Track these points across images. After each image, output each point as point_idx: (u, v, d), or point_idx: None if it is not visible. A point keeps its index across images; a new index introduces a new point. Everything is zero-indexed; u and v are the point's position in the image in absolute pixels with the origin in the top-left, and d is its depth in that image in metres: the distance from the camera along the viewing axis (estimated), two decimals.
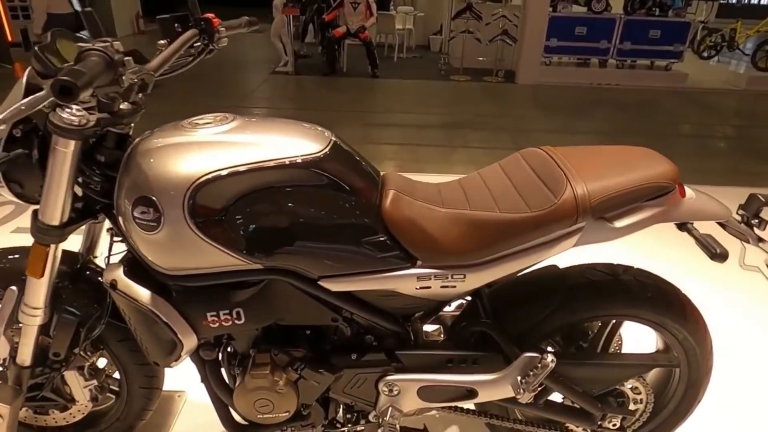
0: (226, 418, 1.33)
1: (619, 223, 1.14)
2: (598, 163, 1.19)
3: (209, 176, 1.04)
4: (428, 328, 1.46)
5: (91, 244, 1.38)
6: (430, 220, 1.16)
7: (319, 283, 1.16)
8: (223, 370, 1.32)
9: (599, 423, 1.35)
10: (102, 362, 1.45)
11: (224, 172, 1.05)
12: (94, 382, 1.39)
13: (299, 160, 1.09)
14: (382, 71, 7.67)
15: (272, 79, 7.28)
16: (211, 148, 1.08)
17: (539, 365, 1.20)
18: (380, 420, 1.30)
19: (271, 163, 1.08)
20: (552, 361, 1.20)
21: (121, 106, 1.11)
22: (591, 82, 7.68)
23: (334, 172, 1.12)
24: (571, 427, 1.42)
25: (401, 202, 1.16)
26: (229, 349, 1.30)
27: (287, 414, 1.28)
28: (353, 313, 1.23)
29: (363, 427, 1.36)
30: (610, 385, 1.35)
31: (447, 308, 1.52)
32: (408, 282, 1.18)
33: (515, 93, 7.08)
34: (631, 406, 1.40)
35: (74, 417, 1.46)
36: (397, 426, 1.28)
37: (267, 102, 6.23)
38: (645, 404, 1.40)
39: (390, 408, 1.30)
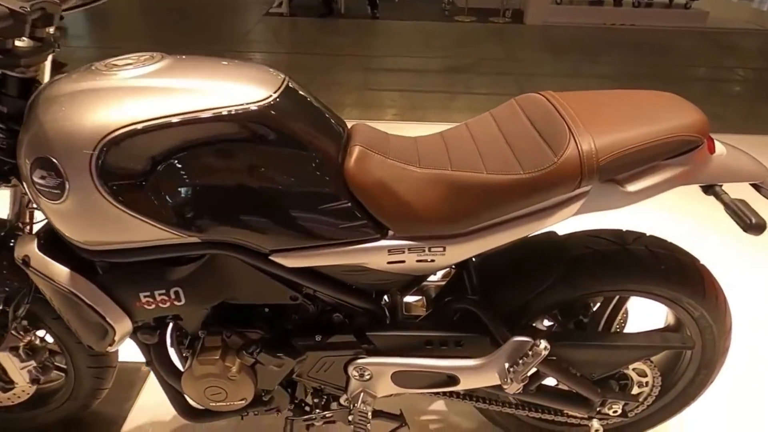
0: (178, 403, 1.19)
1: (633, 187, 0.93)
2: (610, 112, 0.97)
3: (123, 131, 0.84)
4: (411, 299, 1.30)
5: (19, 210, 1.20)
6: (403, 182, 0.96)
7: (270, 258, 0.97)
8: (174, 351, 1.17)
9: (598, 409, 1.20)
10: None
11: (142, 126, 0.85)
12: (32, 362, 1.24)
13: (239, 110, 0.88)
14: (382, 12, 7.22)
15: (266, 21, 6.87)
16: (128, 95, 0.87)
17: (530, 353, 1.04)
18: (351, 406, 1.16)
19: (204, 114, 0.87)
20: (545, 348, 1.03)
21: (18, 43, 0.90)
22: (605, 22, 7.19)
23: (283, 124, 0.91)
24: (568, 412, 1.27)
25: (368, 161, 0.96)
26: (177, 330, 1.14)
27: (243, 402, 1.13)
28: (316, 291, 1.06)
29: (333, 412, 1.22)
30: (613, 369, 1.18)
31: (432, 277, 1.35)
32: (378, 256, 0.99)
33: (523, 34, 6.65)
34: (635, 390, 1.25)
35: (19, 398, 1.33)
36: (369, 413, 1.13)
37: (261, 46, 5.89)
38: (651, 387, 1.24)
39: (362, 393, 1.15)
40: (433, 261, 1.02)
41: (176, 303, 1.00)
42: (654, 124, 0.92)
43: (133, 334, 1.09)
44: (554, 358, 1.12)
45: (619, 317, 1.32)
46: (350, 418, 1.14)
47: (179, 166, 0.87)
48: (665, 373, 1.33)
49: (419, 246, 0.99)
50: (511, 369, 1.04)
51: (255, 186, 0.91)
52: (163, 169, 0.86)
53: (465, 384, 1.11)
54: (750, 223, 0.90)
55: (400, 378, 1.13)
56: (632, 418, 1.31)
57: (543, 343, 1.03)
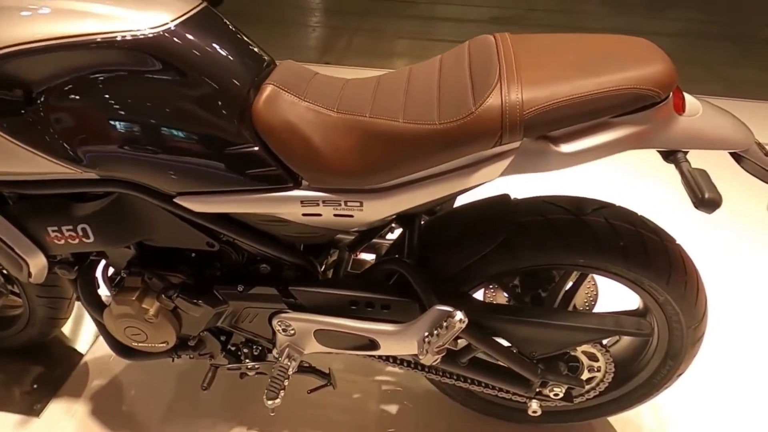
0: (109, 339, 1.19)
1: (569, 147, 0.80)
2: (559, 57, 0.83)
3: (5, 51, 0.79)
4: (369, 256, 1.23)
5: None
6: (316, 126, 0.87)
7: (176, 201, 0.92)
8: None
9: (538, 390, 1.10)
10: None
11: (24, 48, 0.79)
12: None
13: (131, 37, 0.81)
14: None
15: None
16: (13, 15, 0.81)
17: (445, 323, 0.95)
18: (277, 360, 1.12)
19: (94, 39, 0.81)
20: (460, 320, 0.94)
21: None
22: None
23: (177, 54, 0.83)
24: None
25: (279, 101, 0.87)
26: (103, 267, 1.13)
27: (165, 345, 1.12)
28: (234, 239, 1.01)
29: (261, 364, 1.19)
30: (556, 349, 1.08)
31: (390, 235, 1.27)
32: (290, 206, 0.92)
33: None
34: (585, 375, 1.14)
35: None
36: (291, 368, 1.09)
37: None
38: (604, 374, 1.13)
39: (287, 348, 1.11)
40: (351, 216, 0.93)
41: (85, 240, 0.98)
42: (602, 74, 0.77)
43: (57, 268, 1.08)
44: (486, 332, 1.03)
45: (585, 294, 1.20)
46: (273, 370, 1.10)
47: (66, 94, 0.82)
48: (629, 359, 1.21)
49: (334, 199, 0.90)
50: (427, 339, 0.96)
51: (149, 122, 0.85)
52: (48, 97, 0.81)
53: (385, 350, 1.04)
54: (701, 198, 0.75)
55: (322, 337, 1.07)
56: (584, 404, 1.21)
57: (458, 315, 0.94)
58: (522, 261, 1.01)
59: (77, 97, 0.82)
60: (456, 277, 1.04)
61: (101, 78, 0.82)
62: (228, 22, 0.94)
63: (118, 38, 0.80)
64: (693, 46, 3.81)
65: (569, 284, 1.12)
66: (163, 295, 1.05)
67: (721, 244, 1.95)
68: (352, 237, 1.15)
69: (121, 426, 1.34)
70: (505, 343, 1.09)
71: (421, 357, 0.97)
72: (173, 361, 1.20)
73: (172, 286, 1.06)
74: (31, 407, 1.36)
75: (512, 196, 1.07)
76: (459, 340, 1.08)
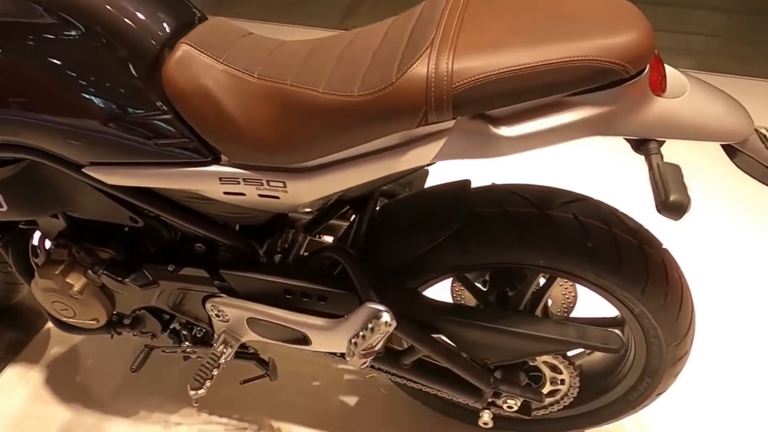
0: (45, 310, 1.14)
1: (512, 130, 0.66)
2: (515, 19, 0.68)
3: None
4: None
5: None
6: (232, 93, 0.76)
7: (85, 171, 0.84)
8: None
9: (490, 400, 0.99)
10: None
11: None
12: None
13: None
14: None
15: None
16: None
17: (371, 324, 0.84)
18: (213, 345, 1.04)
19: None
20: (387, 323, 0.83)
21: None
22: None
23: (77, 4, 0.73)
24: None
25: (193, 63, 0.76)
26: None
27: (95, 322, 1.05)
28: (160, 215, 0.92)
29: (198, 349, 1.11)
30: (512, 358, 0.96)
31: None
32: (208, 184, 0.82)
33: None
34: (546, 388, 1.01)
35: None
36: (224, 356, 1.01)
37: None
38: (568, 387, 1.00)
39: (223, 335, 1.03)
40: (278, 198, 0.83)
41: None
42: (557, 41, 0.63)
43: None
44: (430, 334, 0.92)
45: (561, 297, 1.07)
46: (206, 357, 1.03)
47: None
48: (604, 372, 1.08)
49: (255, 178, 0.80)
50: (354, 340, 0.86)
51: (47, 82, 0.76)
52: None
53: (316, 345, 0.95)
54: (664, 200, 0.61)
55: (255, 326, 0.98)
56: (552, 414, 1.09)
57: (385, 317, 0.83)
58: (475, 257, 0.89)
59: None
60: (404, 269, 0.93)
61: None
62: None
63: None
64: (741, 22, 3.45)
65: (541, 285, 0.99)
66: (89, 271, 0.98)
67: (729, 251, 1.71)
68: (309, 218, 1.05)
69: (72, 398, 1.31)
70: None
71: (348, 359, 0.87)
72: (112, 337, 1.14)
73: (99, 262, 0.99)
74: None
75: (480, 182, 0.94)
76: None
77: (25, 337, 1.43)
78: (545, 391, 1.02)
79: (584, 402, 1.09)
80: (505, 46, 0.64)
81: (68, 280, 0.98)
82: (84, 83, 0.76)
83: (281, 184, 0.80)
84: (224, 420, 1.26)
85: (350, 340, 0.86)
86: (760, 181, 0.73)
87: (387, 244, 0.94)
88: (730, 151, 0.72)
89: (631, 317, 0.92)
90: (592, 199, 0.89)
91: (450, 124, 0.67)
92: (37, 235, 1.08)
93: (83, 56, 0.75)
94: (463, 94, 0.63)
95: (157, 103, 0.77)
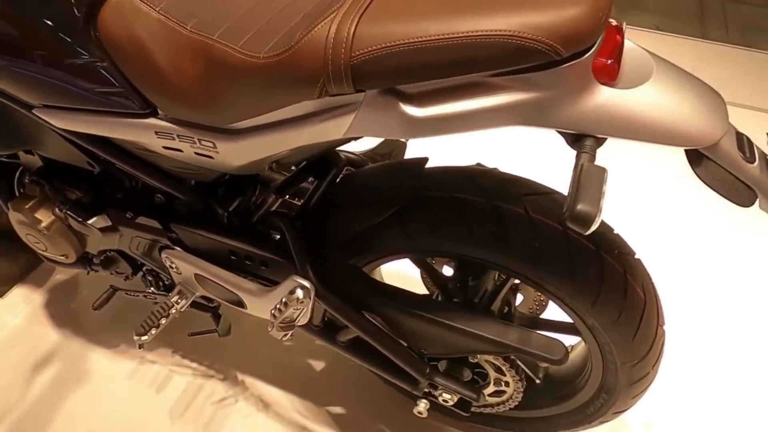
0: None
1: (422, 111, 0.59)
2: None
3: None
4: None
5: None
6: (164, 44, 0.73)
7: (34, 112, 0.85)
8: None
9: (426, 390, 0.94)
10: None
11: None
12: None
13: None
14: None
15: None
16: None
17: (289, 296, 0.80)
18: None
19: None
20: (299, 300, 0.79)
21: None
22: None
23: None
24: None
25: (127, 10, 0.74)
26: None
27: (64, 258, 1.10)
28: (115, 163, 0.92)
29: (157, 295, 1.14)
30: (449, 352, 0.90)
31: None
32: (147, 136, 0.81)
33: None
34: (489, 389, 0.95)
35: None
36: (175, 307, 1.02)
37: None
38: (513, 390, 0.94)
39: (179, 286, 1.04)
40: (212, 158, 0.80)
41: None
42: (480, 12, 0.54)
43: None
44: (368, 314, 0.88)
45: (534, 296, 1.00)
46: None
47: None
48: (566, 379, 1.00)
49: (187, 135, 0.77)
50: (273, 312, 0.83)
51: None
52: None
53: (250, 309, 0.93)
54: (570, 208, 0.52)
55: (202, 282, 0.99)
56: (509, 413, 1.03)
57: (298, 292, 0.79)
58: (415, 242, 0.83)
59: None
60: (347, 245, 0.89)
61: None
62: None
63: None
64: None
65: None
66: (56, 209, 1.02)
67: (721, 265, 1.53)
68: (281, 179, 1.03)
69: (64, 323, 1.39)
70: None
71: (269, 330, 0.85)
72: (88, 273, 1.19)
73: (65, 201, 1.02)
74: None
75: (438, 161, 0.86)
76: None
77: (33, 262, 1.53)
78: (489, 390, 0.96)
79: (546, 406, 1.02)
80: (420, 14, 0.56)
81: (37, 215, 1.02)
82: (25, 25, 0.75)
83: (212, 144, 0.77)
84: (194, 365, 1.31)
85: (271, 311, 0.84)
86: (728, 199, 0.61)
87: (334, 216, 0.90)
88: (694, 157, 0.61)
89: (584, 328, 0.83)
90: (556, 193, 0.80)
91: (359, 97, 0.61)
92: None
93: (18, 4, 0.74)
94: (363, 65, 0.56)
95: (94, 51, 0.75)
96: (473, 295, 0.94)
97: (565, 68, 0.55)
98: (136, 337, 1.00)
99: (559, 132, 0.60)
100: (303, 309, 0.81)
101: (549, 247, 0.76)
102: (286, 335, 0.85)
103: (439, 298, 0.99)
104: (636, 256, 0.81)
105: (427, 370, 0.91)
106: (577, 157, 0.57)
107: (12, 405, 1.23)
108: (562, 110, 0.57)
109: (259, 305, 0.90)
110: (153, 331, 1.01)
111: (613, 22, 0.61)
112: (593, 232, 0.75)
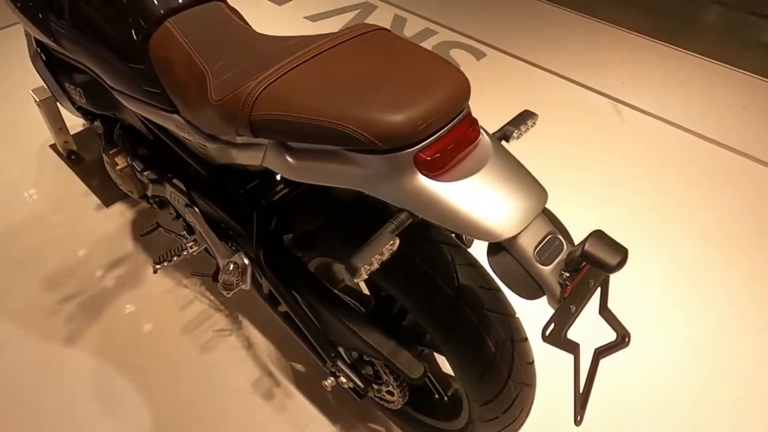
0: None
1: (296, 162, 0.80)
2: (347, 75, 0.77)
3: None
4: None
5: None
6: (183, 69, 1.01)
7: (111, 92, 1.20)
8: None
9: (332, 370, 1.15)
10: None
11: None
12: None
13: None
14: None
15: None
16: None
17: (227, 266, 1.07)
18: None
19: None
20: (230, 270, 1.05)
21: None
22: None
23: None
24: None
25: (168, 40, 1.03)
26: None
27: (131, 193, 1.48)
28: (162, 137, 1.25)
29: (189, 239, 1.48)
30: (345, 345, 1.09)
31: None
32: (172, 126, 1.11)
33: None
34: (383, 388, 1.13)
35: None
36: (189, 251, 1.34)
37: None
38: (397, 395, 1.11)
39: (195, 235, 1.37)
40: (205, 151, 1.08)
41: (80, 99, 1.34)
42: (343, 103, 0.72)
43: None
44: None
45: None
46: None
47: None
48: (457, 402, 1.15)
49: (192, 132, 1.06)
50: (221, 274, 1.10)
51: (91, 28, 1.10)
52: None
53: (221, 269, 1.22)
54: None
55: (201, 238, 1.30)
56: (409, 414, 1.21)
57: (232, 266, 1.05)
58: (341, 252, 1.03)
59: None
60: (298, 239, 1.12)
61: None
62: None
63: None
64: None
65: None
66: (128, 158, 1.39)
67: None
68: None
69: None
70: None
71: (218, 286, 1.13)
72: (150, 207, 1.57)
73: (134, 154, 1.38)
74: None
75: None
76: None
77: None
78: (385, 389, 1.14)
79: (442, 419, 1.18)
80: (303, 95, 0.75)
81: (116, 159, 1.41)
82: (110, 35, 1.09)
83: (203, 144, 1.05)
84: (212, 298, 1.66)
85: (219, 273, 1.11)
86: (512, 290, 0.73)
87: (297, 214, 1.14)
88: (494, 247, 0.74)
89: (444, 356, 0.98)
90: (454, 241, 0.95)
91: (264, 141, 0.83)
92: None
93: (108, 16, 1.07)
94: (258, 122, 0.78)
95: (145, 61, 1.06)
96: (390, 307, 1.12)
97: (388, 156, 0.72)
98: (152, 264, 1.35)
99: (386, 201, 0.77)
100: (238, 278, 1.07)
101: (416, 284, 0.92)
102: (227, 293, 1.12)
103: (372, 302, 1.18)
104: (515, 315, 0.93)
105: (333, 354, 1.13)
106: (386, 223, 0.74)
107: (86, 285, 1.69)
108: (387, 187, 0.74)
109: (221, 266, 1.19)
110: (166, 263, 1.35)
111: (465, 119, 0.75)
112: (475, 289, 0.90)
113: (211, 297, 1.66)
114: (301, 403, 1.43)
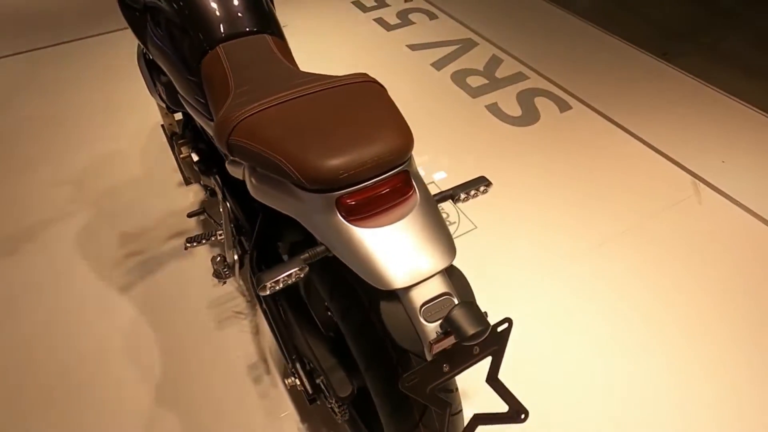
0: None
1: (257, 183, 0.94)
2: (313, 117, 0.89)
3: None
4: None
5: None
6: (219, 89, 1.20)
7: (178, 90, 1.44)
8: None
9: (292, 371, 1.27)
10: None
11: None
12: None
13: None
14: None
15: None
16: None
17: (215, 257, 1.23)
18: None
19: None
20: (218, 261, 1.21)
21: None
22: None
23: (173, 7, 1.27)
24: None
25: (214, 62, 1.23)
26: None
27: (190, 179, 1.74)
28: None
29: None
30: (300, 350, 1.21)
31: None
32: (210, 131, 1.32)
33: None
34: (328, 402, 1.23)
35: None
36: (215, 236, 1.56)
37: None
38: (338, 412, 1.20)
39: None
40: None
41: (162, 96, 1.62)
42: (300, 142, 0.84)
43: None
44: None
45: None
46: None
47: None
48: None
49: None
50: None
51: (165, 36, 1.34)
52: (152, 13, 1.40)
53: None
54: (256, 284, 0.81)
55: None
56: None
57: (219, 258, 1.21)
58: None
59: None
60: (288, 247, 1.27)
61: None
62: None
63: None
64: None
65: None
66: (189, 149, 1.64)
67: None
68: None
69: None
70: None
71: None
72: (206, 194, 1.82)
73: (194, 147, 1.63)
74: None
75: None
76: None
77: None
78: (328, 404, 1.24)
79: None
80: (272, 130, 0.87)
81: (182, 149, 1.67)
82: (178, 49, 1.32)
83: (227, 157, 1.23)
84: (241, 283, 1.86)
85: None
86: (391, 337, 0.80)
87: (290, 221, 1.28)
88: (387, 293, 0.81)
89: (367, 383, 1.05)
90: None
91: (239, 159, 0.98)
92: None
93: (178, 34, 1.30)
94: (233, 146, 0.93)
95: (198, 76, 1.28)
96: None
97: (316, 195, 0.83)
98: (185, 242, 1.58)
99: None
100: (225, 271, 1.24)
101: (362, 322, 1.01)
102: (219, 281, 1.30)
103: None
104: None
105: (293, 357, 1.25)
106: (304, 252, 0.85)
107: (149, 247, 1.99)
108: (313, 221, 0.85)
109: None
110: (195, 244, 1.57)
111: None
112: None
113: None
114: (281, 396, 1.57)
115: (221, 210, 1.50)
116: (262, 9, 1.32)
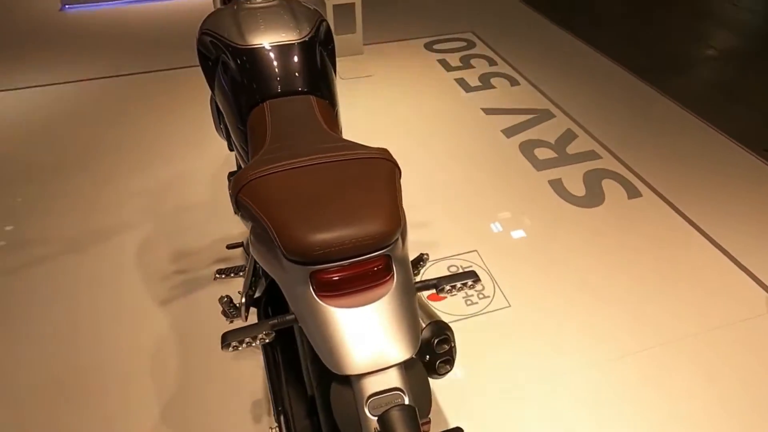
0: None
1: (253, 239, 0.99)
2: (316, 191, 0.91)
3: None
4: None
5: None
6: (256, 141, 1.29)
7: (231, 133, 1.55)
8: None
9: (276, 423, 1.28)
10: None
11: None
12: None
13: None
14: None
15: None
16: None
17: (222, 298, 1.29)
18: None
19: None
20: (224, 299, 1.26)
21: None
22: None
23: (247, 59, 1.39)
24: None
25: (258, 115, 1.33)
26: None
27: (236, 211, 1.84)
28: None
29: None
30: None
31: None
32: None
33: None
34: None
35: None
36: (243, 273, 1.63)
37: None
38: None
39: None
40: None
41: (223, 136, 1.75)
42: (283, 211, 0.88)
43: None
44: None
45: None
46: None
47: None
48: None
49: None
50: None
51: (223, 85, 1.46)
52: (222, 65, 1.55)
53: None
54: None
55: None
56: None
57: (225, 298, 1.26)
58: None
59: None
60: None
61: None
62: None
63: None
64: None
65: None
66: None
67: None
68: None
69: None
70: None
71: None
72: None
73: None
74: None
75: None
76: None
77: None
78: None
79: None
80: (272, 195, 0.92)
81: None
82: (234, 99, 1.43)
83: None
84: None
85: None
86: (336, 419, 0.79)
87: None
88: (342, 378, 0.81)
89: None
90: None
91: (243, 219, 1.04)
92: None
93: (235, 86, 1.42)
94: (238, 202, 0.99)
95: (245, 126, 1.38)
96: None
97: (293, 265, 0.85)
98: (215, 273, 1.67)
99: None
100: (232, 311, 1.29)
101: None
102: (227, 320, 1.35)
103: None
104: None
105: (279, 408, 1.26)
106: (275, 318, 0.87)
107: (195, 267, 2.12)
108: (288, 288, 0.88)
109: None
110: (224, 276, 1.65)
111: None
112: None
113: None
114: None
115: (245, 250, 1.57)
116: (314, 71, 1.40)
